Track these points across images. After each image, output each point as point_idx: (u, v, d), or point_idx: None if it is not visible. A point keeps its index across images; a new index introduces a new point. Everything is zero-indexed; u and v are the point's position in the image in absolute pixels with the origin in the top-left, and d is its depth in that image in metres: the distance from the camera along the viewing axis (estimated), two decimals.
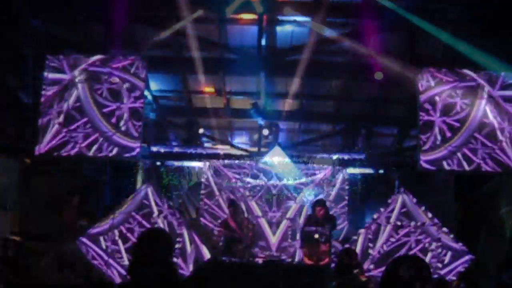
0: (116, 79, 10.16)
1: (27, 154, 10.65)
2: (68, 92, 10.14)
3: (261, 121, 12.91)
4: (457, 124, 10.12)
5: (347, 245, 10.29)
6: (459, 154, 10.01)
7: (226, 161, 12.53)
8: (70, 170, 11.21)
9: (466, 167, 9.98)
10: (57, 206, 10.64)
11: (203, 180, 12.57)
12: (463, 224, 11.09)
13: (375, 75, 10.84)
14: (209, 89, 12.92)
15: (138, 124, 10.08)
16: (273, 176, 12.44)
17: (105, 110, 10.09)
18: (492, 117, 10.09)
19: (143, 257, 3.23)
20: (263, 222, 12.21)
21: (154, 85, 13.18)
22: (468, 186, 11.38)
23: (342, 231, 11.93)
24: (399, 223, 10.38)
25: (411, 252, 10.03)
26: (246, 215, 11.44)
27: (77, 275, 9.95)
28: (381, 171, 12.61)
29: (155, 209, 10.28)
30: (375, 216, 10.69)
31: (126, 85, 10.16)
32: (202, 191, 12.52)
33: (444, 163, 10.05)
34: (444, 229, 10.29)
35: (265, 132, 13.30)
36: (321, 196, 11.66)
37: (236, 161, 12.52)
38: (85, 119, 10.04)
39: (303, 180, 12.46)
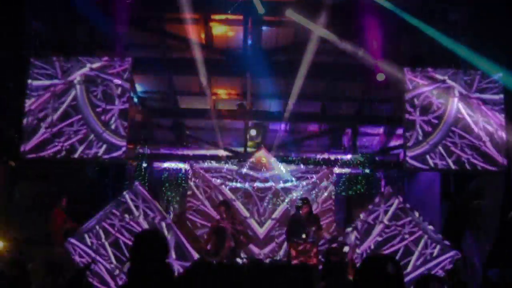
0: (110, 84, 10.48)
1: (12, 157, 10.58)
2: (64, 94, 10.42)
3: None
4: (436, 121, 10.49)
5: (334, 245, 10.33)
6: (440, 147, 10.42)
7: (206, 165, 12.58)
8: (67, 174, 11.21)
9: (449, 160, 10.29)
10: (45, 209, 10.60)
11: (190, 182, 12.61)
12: (449, 223, 11.16)
13: (377, 76, 11.01)
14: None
15: (125, 124, 10.39)
16: (257, 179, 12.46)
17: (97, 109, 10.43)
18: (465, 113, 10.50)
19: (140, 258, 3.28)
20: (251, 222, 12.27)
21: (140, 87, 13.16)
22: (454, 185, 11.47)
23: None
24: (387, 222, 10.42)
25: (401, 245, 10.13)
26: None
27: (65, 279, 9.90)
28: (367, 171, 12.67)
29: (132, 206, 10.47)
30: (362, 215, 10.73)
31: (118, 89, 10.53)
32: (188, 192, 12.56)
33: (428, 157, 10.38)
34: (431, 226, 10.39)
35: (253, 132, 13.31)
36: (307, 196, 11.69)
37: (215, 165, 12.56)
38: (79, 116, 10.43)
39: (294, 183, 12.52)
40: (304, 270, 8.46)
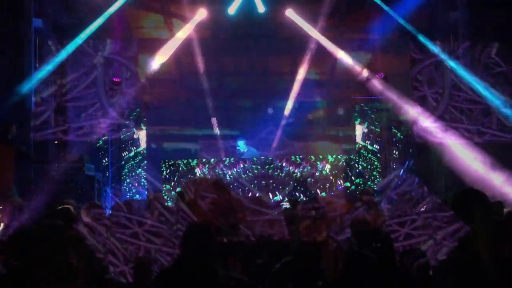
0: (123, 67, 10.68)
1: (21, 141, 10.65)
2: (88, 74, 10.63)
3: None
4: (441, 90, 10.49)
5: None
6: (449, 109, 10.66)
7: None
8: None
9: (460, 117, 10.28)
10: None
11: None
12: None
13: (377, 75, 11.38)
14: None
15: (130, 104, 10.63)
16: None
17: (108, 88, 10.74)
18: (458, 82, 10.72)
19: (189, 245, 3.76)
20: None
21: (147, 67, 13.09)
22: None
23: None
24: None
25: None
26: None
27: (80, 258, 10.02)
28: (377, 146, 12.62)
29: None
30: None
31: (128, 71, 10.66)
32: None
33: (437, 129, 10.44)
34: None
35: (270, 111, 13.36)
36: None
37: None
38: (94, 90, 10.64)
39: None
40: (311, 246, 8.47)
